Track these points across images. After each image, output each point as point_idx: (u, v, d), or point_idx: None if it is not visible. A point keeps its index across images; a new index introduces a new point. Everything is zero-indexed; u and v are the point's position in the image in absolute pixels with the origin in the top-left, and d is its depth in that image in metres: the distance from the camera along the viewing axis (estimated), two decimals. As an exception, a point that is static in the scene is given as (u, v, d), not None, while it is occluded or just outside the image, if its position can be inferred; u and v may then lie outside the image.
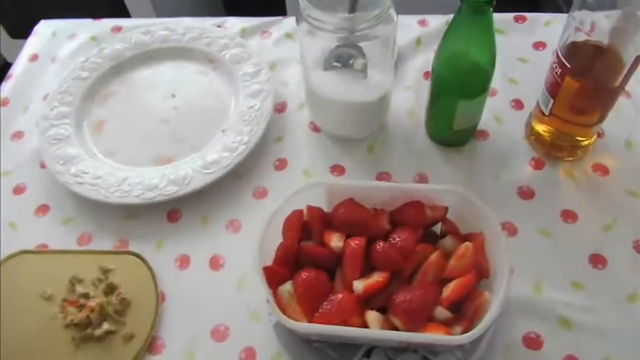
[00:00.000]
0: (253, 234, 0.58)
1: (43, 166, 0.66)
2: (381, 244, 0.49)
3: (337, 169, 0.64)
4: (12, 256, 0.59)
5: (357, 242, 0.49)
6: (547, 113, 0.59)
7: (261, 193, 0.63)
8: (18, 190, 0.66)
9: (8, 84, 0.77)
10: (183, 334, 0.53)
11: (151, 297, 0.55)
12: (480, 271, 0.49)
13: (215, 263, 0.58)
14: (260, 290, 0.54)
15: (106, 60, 0.74)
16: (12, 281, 0.58)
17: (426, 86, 0.64)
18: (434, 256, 0.49)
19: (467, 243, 0.49)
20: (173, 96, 0.71)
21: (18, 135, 0.71)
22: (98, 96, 0.72)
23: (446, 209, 0.52)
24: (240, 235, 0.60)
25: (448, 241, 0.51)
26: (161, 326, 0.54)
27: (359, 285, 0.47)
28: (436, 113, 0.62)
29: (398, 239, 0.49)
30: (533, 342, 0.51)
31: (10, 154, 0.69)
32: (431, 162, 0.64)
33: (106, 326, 0.53)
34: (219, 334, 0.53)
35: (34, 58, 0.81)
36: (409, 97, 0.70)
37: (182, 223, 0.61)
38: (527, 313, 0.52)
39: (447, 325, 0.46)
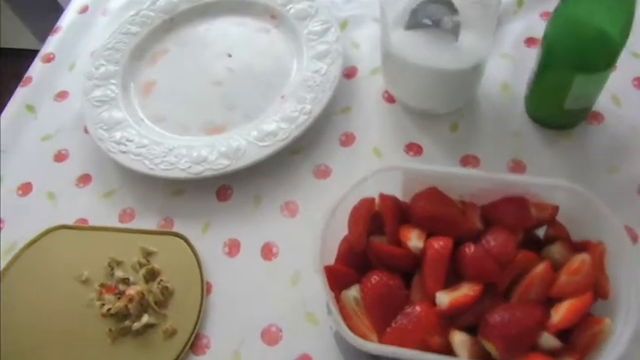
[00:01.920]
0: (312, 220, 0.51)
1: (86, 131, 0.60)
2: (472, 248, 0.39)
3: (413, 149, 0.54)
4: (50, 230, 0.54)
5: (442, 243, 0.39)
6: (686, 92, 0.47)
7: (323, 173, 0.54)
8: (60, 156, 0.60)
9: (55, 38, 0.71)
10: (231, 333, 0.47)
11: (196, 287, 0.49)
12: (597, 291, 0.39)
13: (268, 252, 0.50)
14: (319, 287, 0.46)
15: (159, 13, 0.66)
16: (48, 258, 0.52)
17: (527, 55, 0.53)
18: (540, 268, 0.39)
19: (584, 254, 0.39)
20: (229, 56, 0.63)
21: (62, 95, 0.65)
22: (148, 54, 0.65)
23: (556, 209, 0.42)
24: (296, 221, 0.52)
25: (557, 250, 0.41)
26: (206, 322, 0.47)
27: (444, 298, 0.38)
28: (543, 88, 0.51)
29: (494, 243, 0.40)
30: (657, 381, 0.41)
31: (52, 115, 0.63)
32: (530, 147, 0.53)
33: (145, 319, 0.47)
34: (270, 337, 0.46)
35: (84, 10, 0.74)
36: (505, 66, 0.58)
37: (232, 203, 0.54)
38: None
39: (553, 356, 0.37)
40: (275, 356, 0.45)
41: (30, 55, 0.71)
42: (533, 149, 0.53)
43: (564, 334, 0.38)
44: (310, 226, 0.51)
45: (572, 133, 0.53)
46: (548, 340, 0.37)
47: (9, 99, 0.65)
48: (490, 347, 0.37)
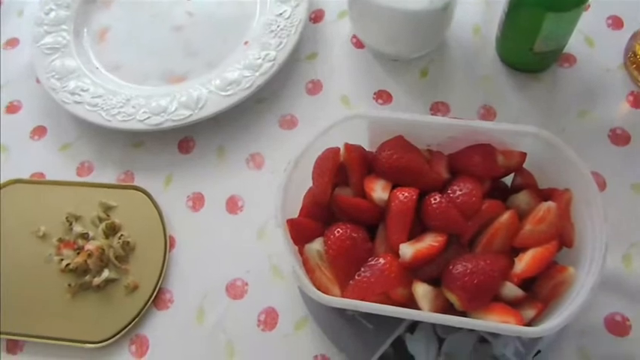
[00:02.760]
0: (278, 172, 0.50)
1: (39, 80, 0.57)
2: (437, 198, 0.38)
3: (382, 96, 0.52)
4: (4, 185, 0.52)
5: (406, 194, 0.38)
6: (661, 33, 0.46)
7: (289, 123, 0.52)
8: (12, 108, 0.57)
9: (2, -19, 0.66)
10: (194, 288, 0.46)
11: (159, 242, 0.47)
12: (562, 239, 0.38)
13: (233, 205, 0.49)
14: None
15: (110, -48, 0.62)
16: (3, 213, 0.50)
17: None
18: (505, 218, 0.38)
19: (549, 203, 0.38)
20: (188, -1, 0.59)
21: (12, 43, 0.61)
22: (101, -3, 0.61)
23: (523, 156, 0.41)
24: (262, 173, 0.50)
25: (523, 198, 0.40)
26: (169, 277, 0.46)
27: (407, 250, 0.37)
28: (513, 29, 0.49)
29: (459, 193, 0.39)
30: (618, 326, 0.41)
31: (2, 64, 0.60)
32: (500, 91, 0.51)
33: (106, 274, 0.46)
34: (235, 291, 0.45)
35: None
36: (476, 8, 0.56)
37: (195, 155, 0.52)
38: (612, 290, 0.42)
39: (516, 306, 0.36)
40: (240, 309, 0.45)
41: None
42: (503, 94, 0.51)
43: (528, 283, 0.37)
44: (277, 178, 0.49)
45: (543, 76, 0.51)
46: (510, 289, 0.36)
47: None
48: (453, 298, 0.36)
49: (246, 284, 0.46)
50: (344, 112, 0.51)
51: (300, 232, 0.39)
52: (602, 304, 0.42)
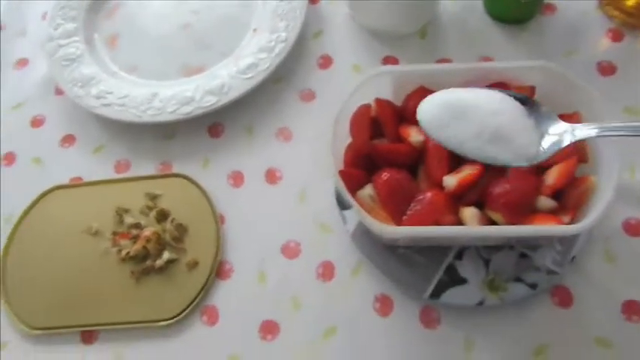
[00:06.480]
0: (308, 140, 0.54)
1: (59, 92, 0.59)
2: (467, 133, 0.43)
3: (390, 61, 0.57)
4: (45, 193, 0.54)
5: (440, 134, 0.43)
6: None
7: (308, 96, 0.56)
8: (36, 122, 0.59)
9: (1, 6, 0.67)
10: (252, 256, 0.49)
11: (209, 220, 0.50)
12: (579, 157, 0.44)
13: (271, 176, 0.52)
14: (326, 200, 0.50)
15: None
16: (51, 219, 0.52)
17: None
18: (529, 142, 0.43)
19: (564, 123, 0.43)
20: (188, -2, 0.62)
21: (22, 63, 0.63)
22: (104, 8, 0.63)
23: (532, 89, 0.46)
24: (292, 144, 0.54)
25: (538, 125, 0.45)
26: (225, 249, 0.50)
27: (451, 180, 0.42)
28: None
29: (484, 126, 0.44)
30: (634, 228, 0.47)
31: (17, 84, 0.62)
32: (493, 42, 0.57)
33: (167, 255, 0.48)
34: (290, 251, 0.49)
35: (20, -27, 0.70)
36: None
37: (226, 137, 0.55)
38: (623, 198, 0.48)
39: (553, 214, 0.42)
40: (298, 267, 0.48)
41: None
42: (496, 44, 0.56)
43: (556, 197, 0.42)
44: (308, 146, 0.53)
45: (529, 25, 0.57)
46: (545, 202, 0.41)
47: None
48: (497, 216, 0.41)
49: (299, 244, 0.49)
50: (358, 78, 0.56)
51: (350, 181, 0.43)
52: (618, 212, 0.47)
